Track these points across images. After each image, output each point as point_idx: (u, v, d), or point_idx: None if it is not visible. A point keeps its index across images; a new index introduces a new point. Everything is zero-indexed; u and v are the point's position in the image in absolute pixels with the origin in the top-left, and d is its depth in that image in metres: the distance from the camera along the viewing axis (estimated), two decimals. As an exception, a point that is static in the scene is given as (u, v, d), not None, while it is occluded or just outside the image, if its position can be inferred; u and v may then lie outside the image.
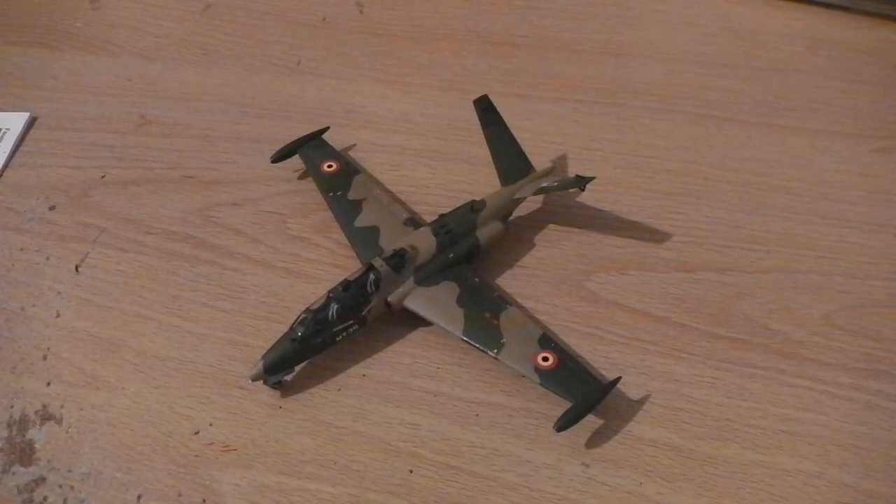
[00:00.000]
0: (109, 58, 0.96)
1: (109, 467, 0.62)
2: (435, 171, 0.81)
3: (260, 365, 0.63)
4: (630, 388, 0.64)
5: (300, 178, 0.81)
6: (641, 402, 0.64)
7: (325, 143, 0.81)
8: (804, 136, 0.83)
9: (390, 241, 0.70)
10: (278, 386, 0.65)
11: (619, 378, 0.63)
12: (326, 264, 0.74)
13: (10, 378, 0.67)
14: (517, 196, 0.73)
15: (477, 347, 0.64)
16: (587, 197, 0.77)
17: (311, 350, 0.64)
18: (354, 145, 0.84)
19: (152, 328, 0.70)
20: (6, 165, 0.84)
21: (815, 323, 0.68)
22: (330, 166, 0.78)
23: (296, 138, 0.81)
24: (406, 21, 0.98)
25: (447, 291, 0.67)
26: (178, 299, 0.72)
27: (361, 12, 1.00)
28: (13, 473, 0.62)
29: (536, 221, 0.76)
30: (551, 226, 0.76)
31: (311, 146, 0.81)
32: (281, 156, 0.81)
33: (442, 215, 0.72)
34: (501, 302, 0.67)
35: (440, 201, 0.77)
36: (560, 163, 0.81)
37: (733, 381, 0.65)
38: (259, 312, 0.70)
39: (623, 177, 0.79)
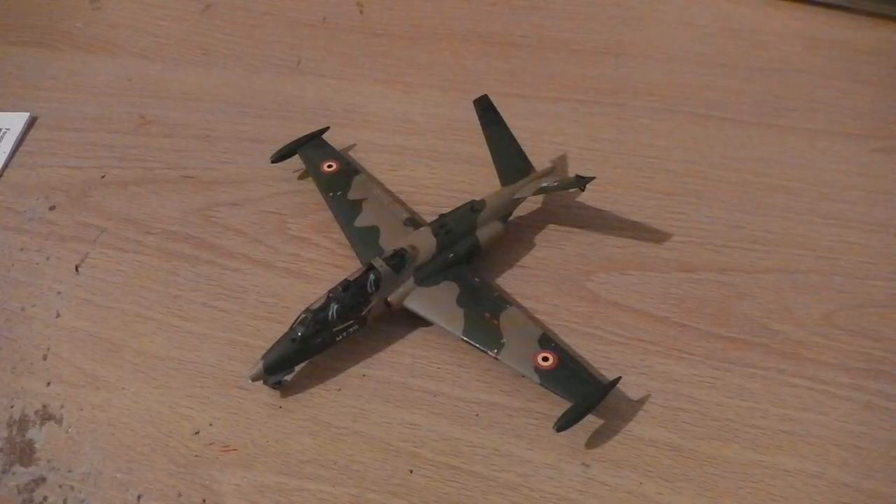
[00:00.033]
0: (109, 58, 0.96)
1: (109, 467, 0.62)
2: (435, 171, 0.81)
3: (260, 365, 0.63)
4: (630, 388, 0.64)
5: (300, 178, 0.81)
6: (641, 402, 0.64)
7: (325, 143, 0.81)
8: (804, 136, 0.83)
9: (390, 241, 0.70)
10: (278, 386, 0.65)
11: (619, 378, 0.63)
12: (326, 264, 0.74)
13: (10, 378, 0.67)
14: (517, 196, 0.73)
15: (477, 347, 0.64)
16: (587, 197, 0.77)
17: (311, 350, 0.64)
18: (354, 145, 0.84)
19: (152, 328, 0.70)
20: (6, 165, 0.84)
21: (815, 323, 0.68)
22: (330, 166, 0.78)
23: (296, 138, 0.81)
24: (406, 21, 0.98)
25: (447, 291, 0.67)
26: (178, 299, 0.72)
27: (361, 12, 1.00)
28: (13, 473, 0.62)
29: (536, 221, 0.76)
30: (551, 226, 0.76)
31: (311, 146, 0.81)
32: (281, 156, 0.81)
33: (442, 215, 0.72)
34: (501, 302, 0.67)
35: (440, 201, 0.77)
36: (560, 163, 0.81)
37: (733, 381, 0.65)
38: (259, 312, 0.70)
39: (623, 177, 0.79)
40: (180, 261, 0.75)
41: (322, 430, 0.63)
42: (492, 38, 0.95)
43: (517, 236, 0.75)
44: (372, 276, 0.65)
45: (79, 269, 0.75)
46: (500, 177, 0.75)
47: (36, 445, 0.63)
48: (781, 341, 0.67)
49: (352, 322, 0.65)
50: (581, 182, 0.69)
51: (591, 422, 0.61)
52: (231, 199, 0.80)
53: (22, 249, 0.77)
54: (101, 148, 0.85)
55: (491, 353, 0.63)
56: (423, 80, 0.91)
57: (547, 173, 0.76)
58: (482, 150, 0.76)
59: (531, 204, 0.77)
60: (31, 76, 0.94)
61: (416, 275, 0.67)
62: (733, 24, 0.95)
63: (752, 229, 0.75)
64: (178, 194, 0.81)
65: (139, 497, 0.60)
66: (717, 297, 0.70)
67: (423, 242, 0.69)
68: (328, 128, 0.83)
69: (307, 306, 0.64)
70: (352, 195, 0.75)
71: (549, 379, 0.61)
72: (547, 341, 0.64)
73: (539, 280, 0.72)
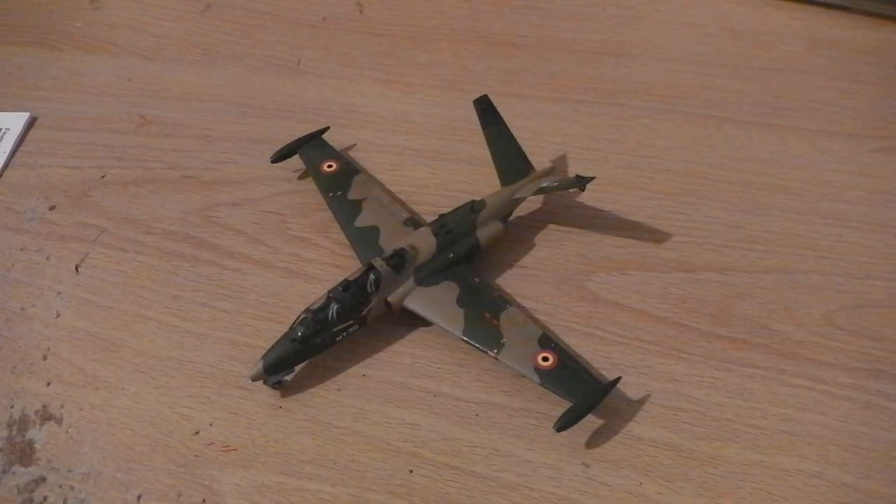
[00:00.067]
0: (109, 58, 0.96)
1: (109, 467, 0.62)
2: (435, 171, 0.81)
3: (260, 365, 0.63)
4: (630, 388, 0.64)
5: (300, 178, 0.81)
6: (641, 402, 0.64)
7: (325, 143, 0.81)
8: (804, 136, 0.83)
9: (390, 241, 0.70)
10: (278, 386, 0.65)
11: (619, 378, 0.63)
12: (326, 264, 0.74)
13: (10, 378, 0.67)
14: (517, 196, 0.73)
15: (477, 347, 0.64)
16: (587, 197, 0.77)
17: (311, 350, 0.64)
18: (354, 145, 0.84)
19: (152, 328, 0.70)
20: (6, 165, 0.84)
21: (815, 323, 0.68)
22: (330, 166, 0.78)
23: (296, 138, 0.81)
24: (406, 21, 0.98)
25: (447, 291, 0.67)
26: (178, 299, 0.72)
27: (361, 12, 1.00)
28: (13, 473, 0.62)
29: (536, 221, 0.76)
30: (551, 226, 0.76)
31: (311, 146, 0.81)
32: (281, 156, 0.81)
33: (442, 215, 0.72)
34: (501, 302, 0.67)
35: (440, 201, 0.77)
36: (560, 163, 0.81)
37: (733, 381, 0.65)
38: (259, 312, 0.70)
39: (623, 177, 0.79)
40: (180, 261, 0.75)
41: (322, 430, 0.63)
42: (492, 38, 0.95)
43: (517, 236, 0.75)
44: (372, 276, 0.65)
45: (79, 269, 0.75)
46: (500, 177, 0.75)
47: (36, 445, 0.63)
48: (781, 341, 0.67)
49: (352, 322, 0.65)
50: (581, 182, 0.69)
51: (591, 422, 0.61)
52: (231, 199, 0.80)
53: (22, 249, 0.77)
54: (101, 148, 0.85)
55: (491, 353, 0.63)
56: (423, 80, 0.91)
57: (547, 173, 0.76)
58: (482, 150, 0.76)
59: (531, 204, 0.77)
60: (31, 76, 0.94)
61: (416, 275, 0.67)
62: (733, 24, 0.95)
63: (752, 229, 0.75)
64: (178, 194, 0.81)
65: (139, 497, 0.60)
66: (717, 297, 0.70)
67: (423, 242, 0.69)
68: (328, 128, 0.83)
69: (307, 306, 0.64)
70: (352, 195, 0.75)
71: (549, 379, 0.61)
72: (547, 341, 0.64)
73: (539, 280, 0.72)
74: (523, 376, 0.62)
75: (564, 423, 0.59)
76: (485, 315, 0.65)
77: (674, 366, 0.66)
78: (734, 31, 0.94)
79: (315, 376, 0.66)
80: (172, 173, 0.83)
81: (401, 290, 0.67)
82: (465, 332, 0.64)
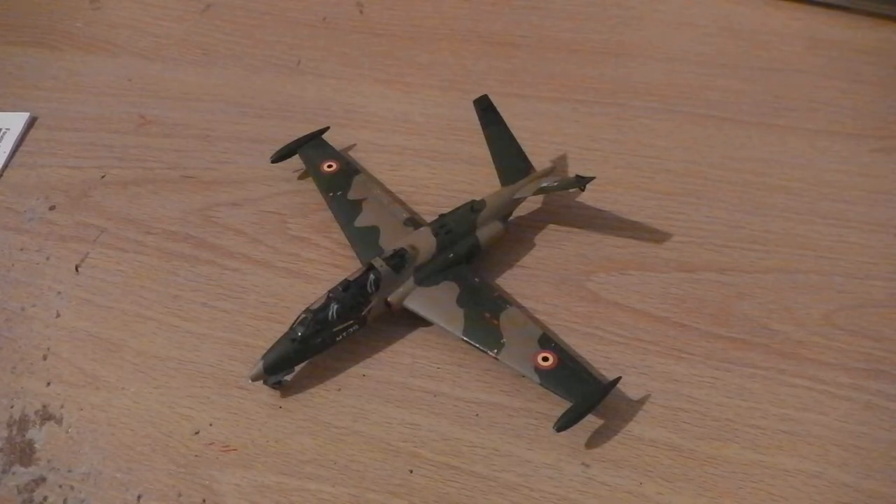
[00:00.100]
0: (109, 58, 0.96)
1: (109, 467, 0.62)
2: (435, 171, 0.81)
3: (260, 365, 0.63)
4: (630, 388, 0.64)
5: (300, 178, 0.81)
6: (641, 402, 0.64)
7: (325, 143, 0.81)
8: (804, 136, 0.83)
9: (390, 241, 0.70)
10: (278, 386, 0.65)
11: (619, 378, 0.63)
12: (326, 264, 0.74)
13: (10, 378, 0.67)
14: (517, 196, 0.73)
15: (477, 347, 0.64)
16: (587, 197, 0.77)
17: (311, 350, 0.64)
18: (354, 145, 0.84)
19: (152, 328, 0.70)
20: (6, 165, 0.84)
21: (815, 323, 0.68)
22: (330, 166, 0.78)
23: (296, 138, 0.81)
24: (406, 21, 0.98)
25: (447, 291, 0.67)
26: (178, 299, 0.72)
27: (361, 12, 1.00)
28: (13, 473, 0.62)
29: (536, 221, 0.76)
30: (551, 226, 0.76)
31: (311, 146, 0.81)
32: (281, 156, 0.81)
33: (442, 215, 0.72)
34: (501, 302, 0.67)
35: (440, 201, 0.77)
36: (560, 163, 0.81)
37: (733, 381, 0.65)
38: (259, 312, 0.70)
39: (623, 177, 0.79)
40: (180, 261, 0.75)
41: (322, 430, 0.63)
42: (492, 38, 0.95)
43: (517, 236, 0.75)
44: (372, 276, 0.65)
45: (79, 269, 0.75)
46: (500, 177, 0.75)
47: (36, 445, 0.63)
48: (781, 341, 0.67)
49: (352, 322, 0.65)
50: (581, 182, 0.69)
51: (591, 422, 0.61)
52: (231, 199, 0.80)
53: (22, 249, 0.77)
54: (101, 148, 0.85)
55: (491, 353, 0.63)
56: (423, 80, 0.91)
57: (547, 173, 0.76)
58: (482, 150, 0.76)
59: (531, 204, 0.77)
60: (31, 76, 0.94)
61: (416, 275, 0.67)
62: (733, 24, 0.95)
63: (752, 229, 0.75)
64: (178, 194, 0.81)
65: (139, 497, 0.60)
66: (717, 297, 0.70)
67: (423, 242, 0.69)
68: (328, 128, 0.83)
69: (307, 306, 0.64)
70: (352, 195, 0.75)
71: (549, 379, 0.61)
72: (547, 341, 0.64)
73: (539, 280, 0.72)
74: (523, 376, 0.62)
75: (564, 423, 0.59)
76: (485, 315, 0.65)
77: (674, 366, 0.66)
78: (734, 31, 0.94)
79: (315, 376, 0.66)
80: (172, 173, 0.83)
81: (401, 290, 0.67)
82: (465, 332, 0.64)
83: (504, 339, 0.64)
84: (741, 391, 0.64)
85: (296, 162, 0.81)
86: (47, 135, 0.87)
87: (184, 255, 0.75)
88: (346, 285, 0.65)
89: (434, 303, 0.67)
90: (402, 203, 0.77)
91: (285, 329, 0.64)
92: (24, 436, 0.64)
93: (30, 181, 0.83)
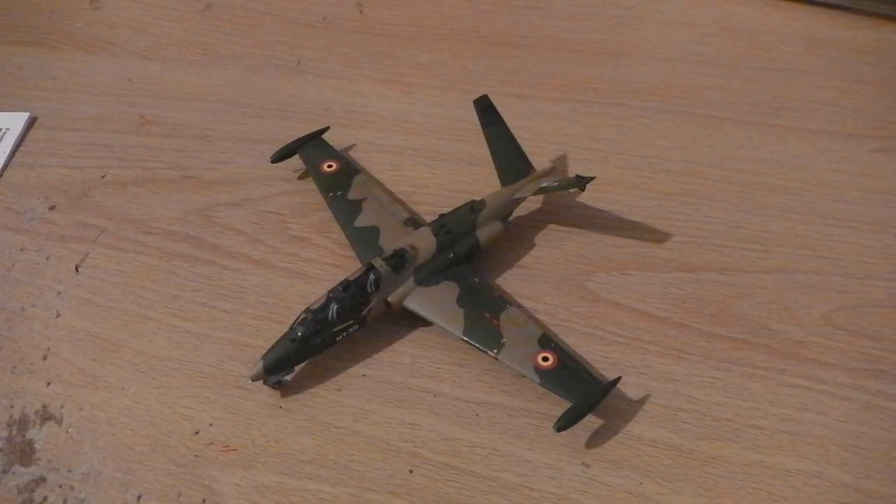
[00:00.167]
0: (109, 58, 0.96)
1: (109, 467, 0.62)
2: (435, 171, 0.81)
3: (260, 365, 0.63)
4: (630, 388, 0.64)
5: (300, 178, 0.81)
6: (641, 402, 0.64)
7: (325, 143, 0.81)
8: (804, 136, 0.83)
9: (390, 241, 0.70)
10: (278, 386, 0.65)
11: (619, 378, 0.63)
12: (326, 264, 0.74)
13: (10, 378, 0.67)
14: (517, 196, 0.73)
15: (477, 347, 0.64)
16: (587, 197, 0.77)
17: (311, 350, 0.64)
18: (354, 145, 0.84)
19: (152, 328, 0.70)
20: (6, 165, 0.84)
21: (815, 323, 0.68)
22: (330, 166, 0.78)
23: (296, 138, 0.81)
24: (406, 21, 0.98)
25: (447, 291, 0.67)
26: (178, 299, 0.72)
27: (361, 12, 1.00)
28: (13, 473, 0.62)
29: (536, 221, 0.76)
30: (551, 226, 0.76)
31: (311, 146, 0.81)
32: (281, 156, 0.81)
33: (442, 215, 0.72)
34: (501, 302, 0.67)
35: (440, 201, 0.77)
36: (560, 163, 0.81)
37: (733, 381, 0.65)
38: (259, 312, 0.70)
39: (623, 177, 0.79)
40: (180, 261, 0.75)
41: (322, 430, 0.63)
42: (492, 38, 0.95)
43: (517, 236, 0.75)
44: (372, 276, 0.65)
45: (79, 269, 0.75)
46: (500, 177, 0.75)
47: (36, 445, 0.63)
48: (781, 341, 0.67)
49: (352, 322, 0.65)
50: (581, 182, 0.69)
51: (591, 422, 0.61)
52: (231, 199, 0.80)
53: (22, 249, 0.77)
54: (101, 148, 0.85)
55: (491, 353, 0.63)
56: (423, 80, 0.91)
57: (547, 173, 0.76)
58: (482, 150, 0.76)
59: (531, 204, 0.77)
60: (31, 76, 0.94)
61: (416, 275, 0.67)
62: (733, 24, 0.95)
63: (752, 229, 0.75)
64: (178, 194, 0.81)
65: (139, 497, 0.60)
66: (717, 297, 0.70)
67: (423, 242, 0.69)
68: (328, 128, 0.83)
69: (307, 306, 0.64)
70: (352, 195, 0.75)
71: (549, 379, 0.61)
72: (547, 341, 0.64)
73: (539, 280, 0.72)
74: (523, 376, 0.62)
75: (564, 423, 0.59)
76: (485, 315, 0.65)
77: (674, 366, 0.66)
78: (734, 31, 0.94)
79: (315, 376, 0.66)
80: (172, 173, 0.83)
81: (401, 290, 0.67)
82: (465, 332, 0.64)
83: (504, 339, 0.64)
84: (741, 391, 0.64)
85: (296, 162, 0.81)
86: (47, 135, 0.87)
87: (184, 255, 0.75)
88: (346, 285, 0.65)
89: (434, 303, 0.67)
90: (402, 203, 0.77)
91: (285, 329, 0.64)
92: (24, 436, 0.64)
93: (30, 181, 0.83)
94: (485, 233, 0.71)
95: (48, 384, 0.67)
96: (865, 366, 0.65)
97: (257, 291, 0.72)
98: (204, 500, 0.60)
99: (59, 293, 0.73)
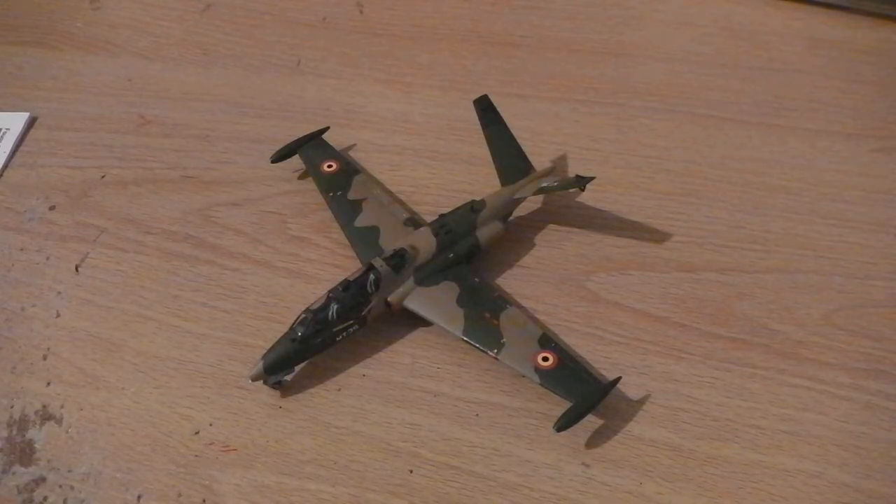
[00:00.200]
0: (109, 58, 0.96)
1: (109, 467, 0.62)
2: (435, 171, 0.81)
3: (260, 365, 0.63)
4: (630, 388, 0.64)
5: (300, 178, 0.81)
6: (641, 402, 0.64)
7: (325, 143, 0.81)
8: (804, 136, 0.83)
9: (390, 241, 0.70)
10: (278, 386, 0.65)
11: (619, 378, 0.63)
12: (326, 264, 0.74)
13: (10, 378, 0.67)
14: (517, 196, 0.73)
15: (477, 347, 0.64)
16: (587, 197, 0.77)
17: (311, 350, 0.64)
18: (354, 145, 0.84)
19: (152, 328, 0.70)
20: (6, 165, 0.84)
21: (815, 323, 0.68)
22: (330, 166, 0.78)
23: (296, 138, 0.81)
24: (406, 21, 0.98)
25: (447, 291, 0.67)
26: (178, 299, 0.72)
27: (361, 12, 1.00)
28: (13, 473, 0.62)
29: (536, 221, 0.76)
30: (551, 226, 0.76)
31: (311, 146, 0.81)
32: (281, 156, 0.81)
33: (442, 215, 0.72)
34: (501, 302, 0.67)
35: (440, 201, 0.77)
36: (560, 163, 0.81)
37: (733, 381, 0.65)
38: (259, 312, 0.70)
39: (623, 177, 0.79)
40: (180, 261, 0.75)
41: (322, 430, 0.63)
42: (492, 38, 0.95)
43: (517, 236, 0.75)
44: (372, 276, 0.65)
45: (79, 269, 0.75)
46: (500, 177, 0.75)
47: (36, 445, 0.63)
48: (781, 341, 0.67)
49: (352, 322, 0.65)
50: (581, 182, 0.69)
51: (591, 422, 0.61)
52: (231, 199, 0.80)
53: (22, 249, 0.77)
54: (101, 148, 0.85)
55: (491, 353, 0.63)
56: (423, 80, 0.91)
57: (547, 173, 0.76)
58: (482, 150, 0.76)
59: (531, 204, 0.77)
60: (31, 76, 0.94)
61: (416, 275, 0.67)
62: (733, 24, 0.95)
63: (752, 229, 0.75)
64: (178, 194, 0.81)
65: (139, 497, 0.60)
66: (717, 297, 0.70)
67: (423, 242, 0.69)
68: (328, 128, 0.83)
69: (307, 306, 0.64)
70: (352, 195, 0.75)
71: (549, 379, 0.61)
72: (547, 341, 0.64)
73: (539, 280, 0.72)
74: (523, 376, 0.62)
75: (564, 423, 0.59)
76: (485, 315, 0.65)
77: (674, 366, 0.66)
78: (734, 31, 0.94)
79: (315, 376, 0.66)
80: (172, 173, 0.83)
81: (401, 290, 0.67)
82: (465, 332, 0.64)
83: (504, 339, 0.64)
84: (741, 391, 0.64)
85: (296, 162, 0.81)
86: (47, 135, 0.87)
87: (184, 255, 0.75)
88: (346, 285, 0.65)
89: (434, 303, 0.67)
90: (402, 203, 0.77)
91: (285, 329, 0.64)
92: (24, 436, 0.64)
93: (30, 181, 0.83)
94: (485, 233, 0.71)
95: (48, 384, 0.67)
96: (865, 366, 0.65)
97: (257, 291, 0.72)
98: (204, 500, 0.60)
99: (59, 293, 0.73)
